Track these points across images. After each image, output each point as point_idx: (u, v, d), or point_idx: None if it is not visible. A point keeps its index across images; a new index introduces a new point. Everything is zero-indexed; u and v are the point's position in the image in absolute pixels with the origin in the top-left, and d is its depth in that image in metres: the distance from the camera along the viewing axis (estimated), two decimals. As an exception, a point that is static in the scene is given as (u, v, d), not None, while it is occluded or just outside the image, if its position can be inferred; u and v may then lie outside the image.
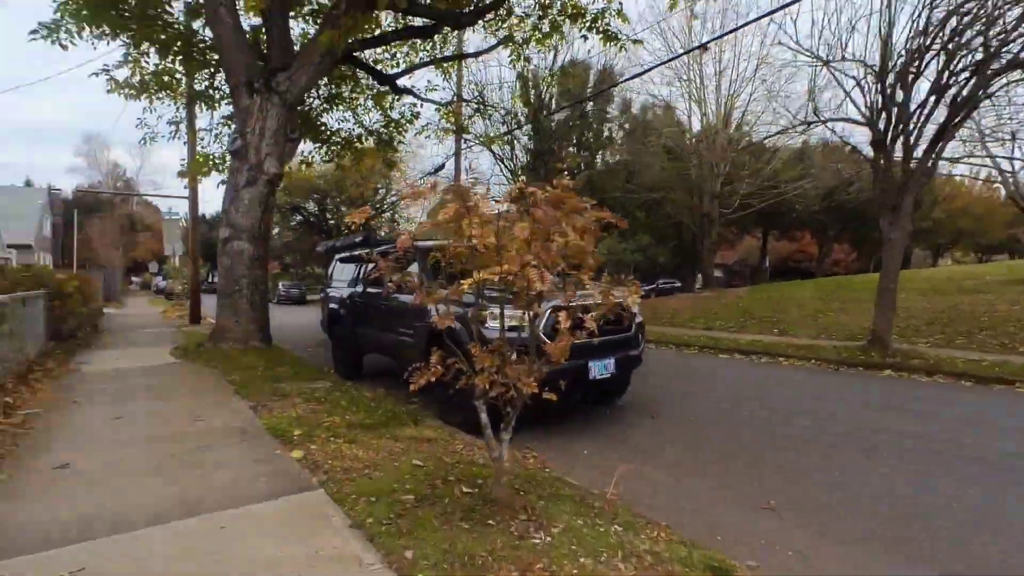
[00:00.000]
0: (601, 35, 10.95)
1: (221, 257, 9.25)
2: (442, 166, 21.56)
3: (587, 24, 11.13)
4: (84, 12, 10.08)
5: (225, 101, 14.46)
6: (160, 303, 35.57)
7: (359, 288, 7.93)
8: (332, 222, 40.40)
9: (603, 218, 2.66)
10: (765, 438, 5.32)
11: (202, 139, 15.02)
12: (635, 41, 11.36)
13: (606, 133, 24.38)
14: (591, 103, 19.51)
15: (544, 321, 4.51)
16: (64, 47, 10.69)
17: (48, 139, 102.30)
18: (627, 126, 22.68)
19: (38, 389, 6.24)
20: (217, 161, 13.67)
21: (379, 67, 13.39)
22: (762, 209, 22.94)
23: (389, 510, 3.00)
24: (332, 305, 8.77)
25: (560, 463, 4.45)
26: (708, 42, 18.66)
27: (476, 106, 16.69)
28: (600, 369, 5.16)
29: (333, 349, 8.81)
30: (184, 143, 16.05)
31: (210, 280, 51.12)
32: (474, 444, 4.53)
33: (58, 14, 10.33)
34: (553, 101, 17.08)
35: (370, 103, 14.62)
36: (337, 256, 9.35)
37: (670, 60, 18.27)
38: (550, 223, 2.48)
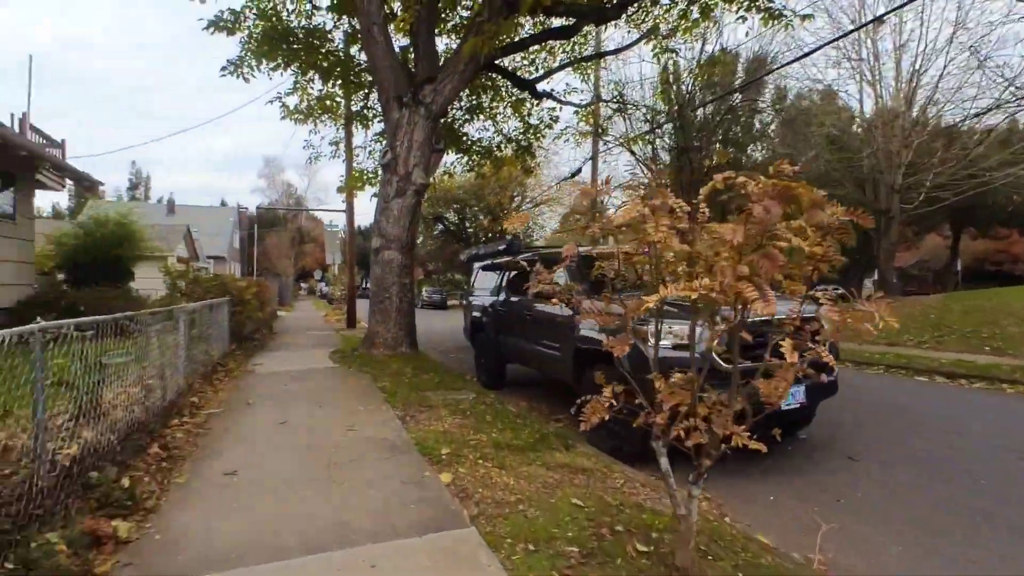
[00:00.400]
0: (763, 13, 9.76)
1: (373, 266, 9.66)
2: (578, 171, 21.12)
3: (744, 4, 10.01)
4: (264, 48, 11.25)
5: (377, 119, 15.39)
6: (322, 306, 39.54)
7: (502, 297, 7.73)
8: (471, 230, 41.98)
9: (852, 216, 1.98)
10: (1003, 488, 4.07)
11: (357, 156, 16.15)
12: (804, 16, 9.98)
13: (757, 126, 22.27)
14: (738, 95, 17.82)
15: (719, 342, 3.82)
16: (247, 80, 12.06)
17: (238, 165, 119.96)
18: (782, 115, 20.41)
19: (219, 389, 6.83)
20: (369, 176, 14.57)
21: (518, 74, 13.36)
22: (956, 203, 19.33)
23: (551, 566, 2.56)
24: (475, 313, 8.70)
25: (742, 512, 3.72)
26: (886, 13, 16.11)
27: (616, 106, 16.02)
28: (788, 398, 4.30)
29: (476, 357, 8.73)
30: (343, 160, 17.47)
31: (363, 287, 56.23)
32: (636, 480, 3.97)
33: (242, 52, 11.68)
34: (697, 95, 15.83)
35: (508, 111, 14.68)
36: (478, 264, 9.30)
37: (839, 38, 16.06)
38: (769, 223, 1.87)
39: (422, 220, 40.78)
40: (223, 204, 59.95)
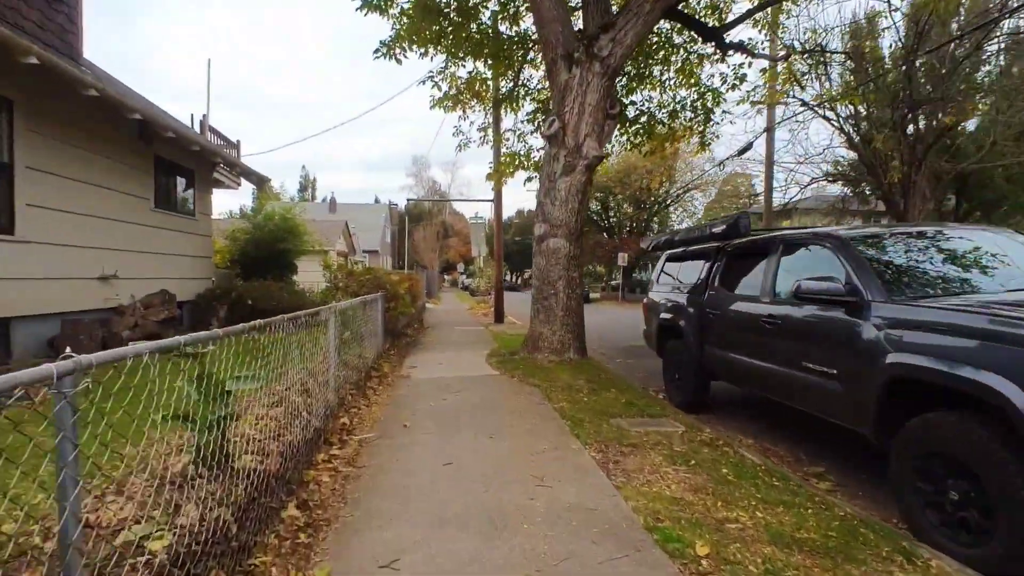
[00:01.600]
0: None
1: (535, 257, 8.30)
2: (749, 146, 18.19)
3: None
4: (416, 25, 10.45)
5: (529, 98, 14.11)
6: (466, 299, 40.05)
7: (713, 295, 5.86)
8: (614, 219, 39.78)
9: None
10: None
11: (507, 140, 14.99)
12: None
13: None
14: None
15: None
16: (399, 61, 11.37)
17: (390, 164, 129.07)
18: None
19: (373, 401, 5.85)
20: (521, 158, 13.34)
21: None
22: None
23: None
24: (664, 315, 6.92)
25: None
26: None
27: (812, 59, 13.03)
28: None
29: (665, 369, 6.95)
30: (491, 147, 16.56)
31: (510, 280, 56.81)
32: None
33: (394, 32, 11.01)
34: (932, 33, 12.28)
35: (676, 77, 12.53)
36: (667, 254, 7.49)
37: None
38: None
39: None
40: (376, 201, 64.10)
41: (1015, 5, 10.56)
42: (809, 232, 4.67)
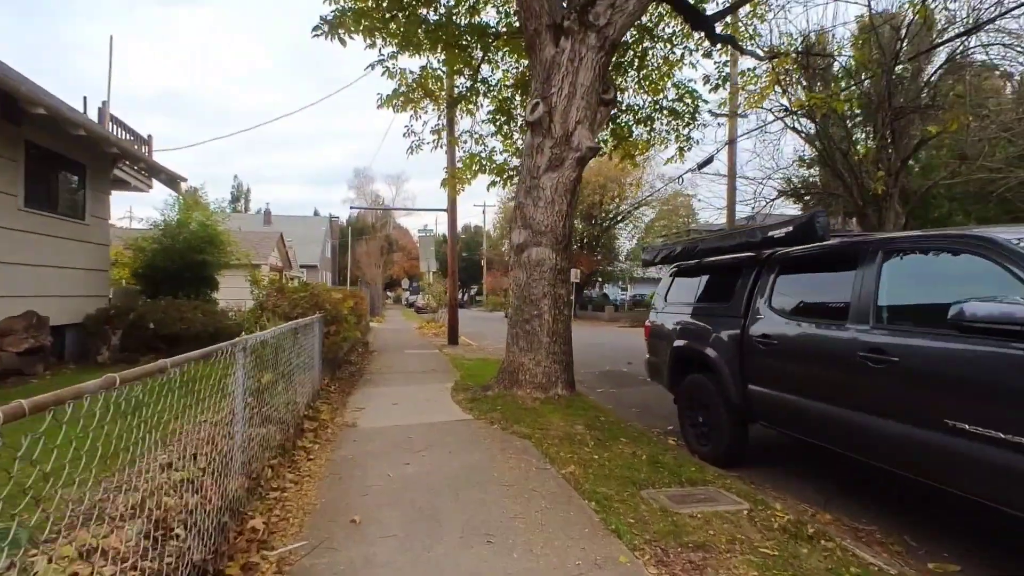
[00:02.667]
0: None
1: (514, 270, 6.81)
2: (710, 159, 17.56)
3: None
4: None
5: (490, 96, 12.72)
6: (413, 317, 37.87)
7: (765, 317, 4.53)
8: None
9: None
10: None
11: (463, 143, 13.48)
12: None
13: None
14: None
15: None
16: (343, 42, 9.71)
17: (332, 180, 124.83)
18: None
19: (305, 474, 4.10)
20: (483, 161, 11.89)
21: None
22: None
23: None
24: (680, 343, 5.56)
25: None
26: None
27: (800, 60, 12.28)
28: None
29: (683, 409, 5.56)
30: (444, 150, 15.05)
31: (464, 298, 54.74)
32: None
33: (335, 9, 9.41)
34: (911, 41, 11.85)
35: (658, 78, 11.48)
36: (676, 267, 6.17)
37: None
38: None
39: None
40: (316, 214, 60.80)
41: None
42: (939, 234, 3.39)
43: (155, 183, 13.54)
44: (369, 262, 54.93)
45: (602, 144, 10.84)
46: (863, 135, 13.49)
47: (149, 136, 14.01)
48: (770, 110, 16.33)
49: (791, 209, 21.44)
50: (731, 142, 18.80)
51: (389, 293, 69.06)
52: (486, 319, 33.32)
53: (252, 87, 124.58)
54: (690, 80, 11.24)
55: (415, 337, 19.09)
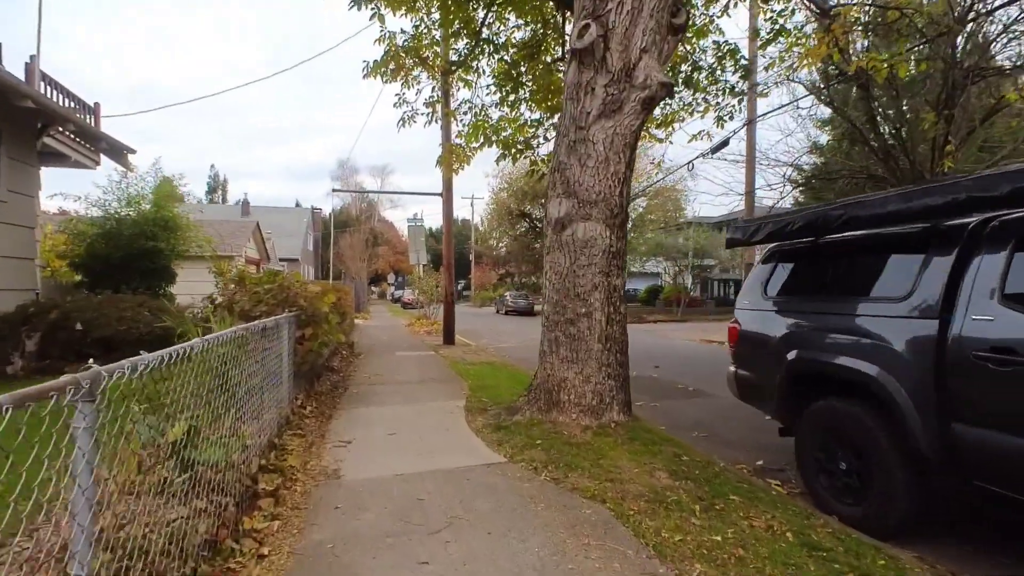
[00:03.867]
0: None
1: (552, 253, 5.08)
2: (726, 142, 16.04)
3: None
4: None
5: (493, 59, 10.94)
6: (400, 313, 35.98)
7: (994, 319, 2.87)
8: (558, 227, 37.31)
9: None
10: None
11: (463, 115, 11.68)
12: None
13: None
14: None
15: None
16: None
17: (313, 174, 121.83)
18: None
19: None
20: (487, 129, 10.11)
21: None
22: None
23: None
24: (798, 353, 3.90)
25: None
26: None
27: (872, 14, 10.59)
28: None
29: (807, 449, 3.90)
30: (440, 124, 13.33)
31: (463, 292, 52.39)
32: None
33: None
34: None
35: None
36: (776, 248, 4.52)
37: None
38: None
39: (503, 218, 36.54)
40: (297, 206, 58.35)
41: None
42: None
43: (105, 159, 11.61)
44: (353, 256, 52.79)
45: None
46: (911, 105, 11.94)
47: (96, 104, 11.98)
48: (801, 82, 14.76)
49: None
50: (750, 122, 17.31)
51: (374, 288, 66.94)
52: (477, 315, 31.55)
53: (236, 82, 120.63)
54: (725, 42, 9.56)
55: (406, 336, 17.29)
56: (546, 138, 10.31)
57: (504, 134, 9.68)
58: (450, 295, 14.70)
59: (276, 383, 4.82)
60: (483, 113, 10.63)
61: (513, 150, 10.30)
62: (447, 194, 14.56)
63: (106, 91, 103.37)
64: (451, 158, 11.10)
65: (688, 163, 20.88)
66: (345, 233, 56.47)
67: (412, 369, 9.41)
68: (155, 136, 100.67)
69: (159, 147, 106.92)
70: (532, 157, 9.96)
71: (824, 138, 19.58)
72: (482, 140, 10.12)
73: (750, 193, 18.25)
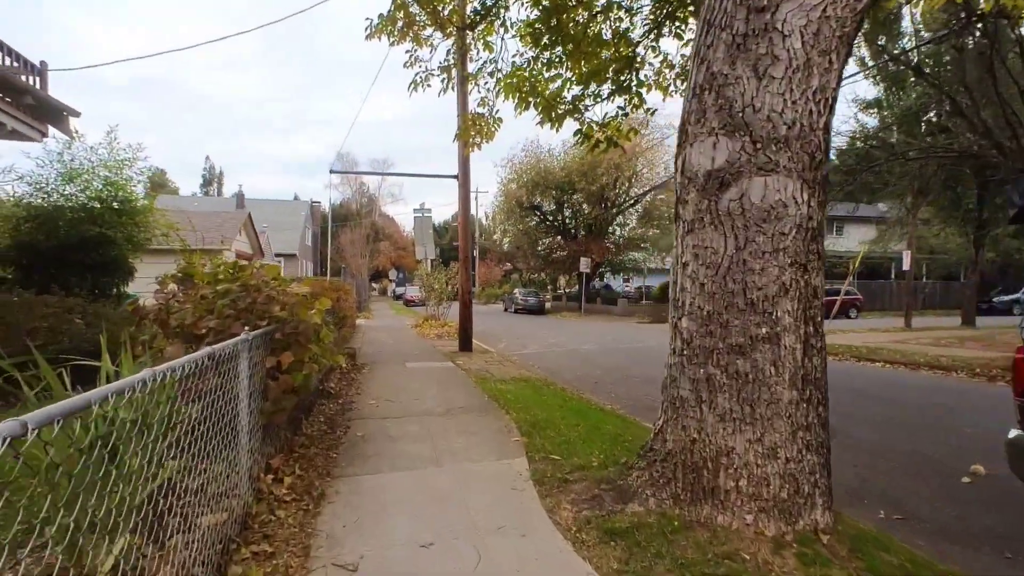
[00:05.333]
0: None
1: (697, 232, 2.98)
2: None
3: None
4: None
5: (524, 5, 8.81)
6: (403, 311, 33.88)
7: None
8: (570, 221, 35.14)
9: None
10: None
11: (482, 83, 9.55)
12: None
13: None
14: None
15: None
16: None
17: (312, 169, 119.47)
18: None
19: None
20: (523, 84, 7.97)
21: None
22: None
23: None
24: None
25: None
26: None
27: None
28: None
29: None
30: (454, 87, 11.22)
31: (473, 291, 49.64)
32: None
33: None
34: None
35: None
36: None
37: None
38: None
39: (518, 206, 34.30)
40: (296, 199, 56.10)
41: None
42: None
43: (51, 129, 9.50)
44: (354, 251, 50.76)
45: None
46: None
47: (42, 63, 9.86)
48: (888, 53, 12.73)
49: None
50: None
51: (375, 285, 64.98)
52: (485, 313, 29.45)
53: (229, 74, 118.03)
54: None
55: (414, 339, 15.19)
56: (595, 99, 8.20)
57: (550, 88, 7.56)
58: (467, 294, 12.60)
59: (227, 448, 2.75)
60: (520, 70, 8.46)
61: (553, 114, 8.19)
62: (463, 175, 12.45)
63: (105, 83, 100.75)
64: (470, 131, 8.99)
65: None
66: (345, 228, 54.39)
67: (431, 389, 7.31)
68: (146, 128, 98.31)
69: (150, 139, 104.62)
70: (582, 120, 7.88)
71: (872, 121, 17.53)
72: (517, 99, 8.00)
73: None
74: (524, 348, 14.00)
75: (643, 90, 8.49)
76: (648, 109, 8.46)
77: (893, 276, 33.89)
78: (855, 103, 17.62)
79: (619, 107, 8.44)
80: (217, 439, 2.65)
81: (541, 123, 8.09)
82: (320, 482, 3.68)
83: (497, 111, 8.81)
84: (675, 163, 3.17)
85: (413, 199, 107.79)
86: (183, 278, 4.00)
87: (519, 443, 4.62)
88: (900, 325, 20.39)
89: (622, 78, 8.26)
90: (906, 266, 19.93)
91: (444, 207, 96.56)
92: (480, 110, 8.83)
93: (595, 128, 7.88)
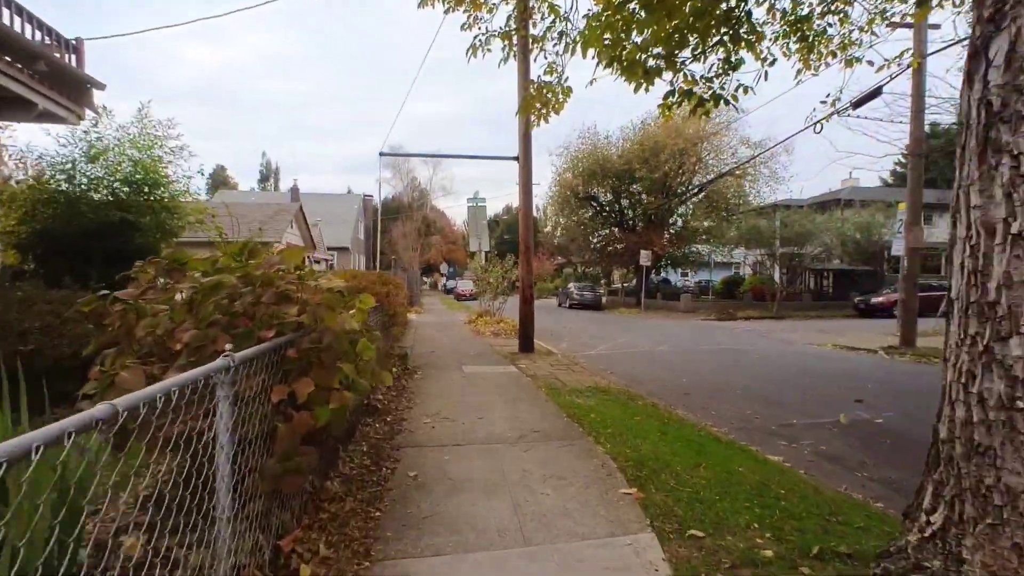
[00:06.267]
0: None
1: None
2: (876, 92, 12.09)
3: None
4: None
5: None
6: (455, 306, 32.97)
7: None
8: (628, 213, 33.21)
9: None
10: None
11: (555, 40, 8.16)
12: None
13: None
14: None
15: None
16: None
17: (365, 167, 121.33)
18: None
19: None
20: (608, 31, 6.54)
21: None
22: None
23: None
24: None
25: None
26: None
27: None
28: None
29: None
30: (514, 55, 9.99)
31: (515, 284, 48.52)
32: None
33: None
34: None
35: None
36: None
37: None
38: None
39: (571, 198, 32.69)
40: (349, 192, 56.27)
41: None
42: None
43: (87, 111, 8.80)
44: (406, 245, 50.40)
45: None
46: None
47: (78, 39, 9.18)
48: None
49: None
50: (915, 66, 13.14)
51: (426, 279, 64.81)
52: (539, 308, 27.85)
53: (284, 77, 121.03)
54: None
55: (469, 337, 14.07)
56: (704, 52, 6.65)
57: (643, 34, 6.08)
58: (528, 288, 11.32)
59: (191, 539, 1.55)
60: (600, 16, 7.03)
61: (641, 70, 6.74)
62: (524, 155, 11.12)
63: (168, 89, 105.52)
64: (534, 102, 7.65)
65: (816, 122, 16.36)
66: (397, 222, 54.16)
67: (496, 404, 6.05)
68: (208, 134, 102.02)
69: (214, 144, 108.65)
70: (678, 69, 6.39)
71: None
72: (597, 55, 6.59)
73: (916, 155, 13.96)
74: (590, 349, 12.61)
75: (753, 40, 6.90)
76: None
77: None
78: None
79: (721, 60, 6.90)
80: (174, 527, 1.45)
81: (628, 80, 6.65)
82: (354, 569, 2.46)
83: (566, 78, 7.44)
84: (969, 69, 1.73)
85: (465, 193, 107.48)
86: (170, 267, 2.87)
87: (631, 500, 3.28)
88: None
89: (723, 31, 6.70)
90: None
91: (495, 200, 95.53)
92: (547, 78, 7.48)
93: (698, 81, 6.39)
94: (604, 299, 33.16)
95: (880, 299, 25.11)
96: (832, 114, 14.55)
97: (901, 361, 11.09)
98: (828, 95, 8.65)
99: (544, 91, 7.53)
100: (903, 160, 52.46)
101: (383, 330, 7.24)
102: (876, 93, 11.90)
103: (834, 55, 7.86)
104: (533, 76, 7.53)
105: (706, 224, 31.40)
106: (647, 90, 6.83)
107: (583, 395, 6.70)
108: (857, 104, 11.52)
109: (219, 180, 59.75)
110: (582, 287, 32.97)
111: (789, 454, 4.89)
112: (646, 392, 7.57)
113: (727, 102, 6.38)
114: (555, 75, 7.45)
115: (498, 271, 16.86)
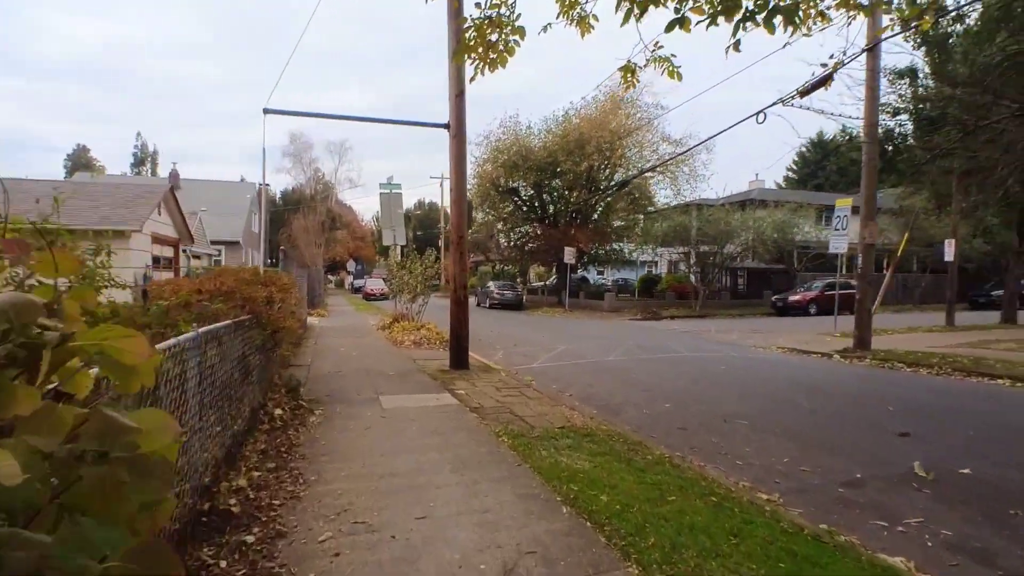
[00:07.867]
0: None
1: None
2: (825, 80, 11.07)
3: None
4: None
5: None
6: (363, 306, 29.82)
7: None
8: (551, 207, 31.72)
9: None
10: None
11: None
12: None
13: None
14: None
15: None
16: None
17: (264, 159, 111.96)
18: None
19: None
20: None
21: None
22: None
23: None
24: None
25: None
26: None
27: None
28: None
29: None
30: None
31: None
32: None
33: None
34: None
35: None
36: None
37: None
38: None
39: (496, 190, 30.65)
40: (242, 181, 50.37)
41: None
42: None
43: None
44: (308, 240, 45.91)
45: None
46: None
47: None
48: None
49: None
50: (871, 47, 12.43)
51: (331, 277, 60.29)
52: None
53: (188, 60, 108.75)
54: None
55: (383, 349, 11.52)
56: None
57: None
58: (462, 288, 9.06)
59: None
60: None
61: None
62: (457, 121, 8.83)
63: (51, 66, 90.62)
64: (475, 45, 5.46)
65: (759, 112, 15.36)
66: (298, 214, 49.40)
67: (443, 482, 3.77)
68: (82, 116, 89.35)
69: (87, 128, 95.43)
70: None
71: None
72: None
73: (871, 136, 13.08)
74: (532, 360, 10.57)
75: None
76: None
77: (917, 268, 32.08)
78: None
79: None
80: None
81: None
82: None
83: (518, 15, 5.32)
84: None
85: (374, 188, 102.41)
86: None
87: None
88: (934, 323, 18.04)
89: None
90: (948, 256, 17.53)
91: (407, 194, 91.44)
92: (490, 12, 5.32)
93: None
94: (524, 298, 31.48)
95: (796, 297, 25.39)
96: (777, 102, 13.11)
97: (872, 367, 10.08)
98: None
99: (486, 29, 5.35)
100: (794, 166, 55.11)
101: (264, 353, 4.73)
102: (825, 80, 10.83)
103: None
104: (468, 14, 5.30)
105: (631, 219, 30.64)
106: (640, 16, 4.87)
107: (564, 448, 4.61)
108: (807, 91, 10.37)
109: (80, 163, 51.41)
110: (502, 286, 31.05)
111: (907, 547, 3.10)
112: (631, 428, 5.64)
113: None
114: (503, 7, 5.33)
115: (419, 268, 14.41)
